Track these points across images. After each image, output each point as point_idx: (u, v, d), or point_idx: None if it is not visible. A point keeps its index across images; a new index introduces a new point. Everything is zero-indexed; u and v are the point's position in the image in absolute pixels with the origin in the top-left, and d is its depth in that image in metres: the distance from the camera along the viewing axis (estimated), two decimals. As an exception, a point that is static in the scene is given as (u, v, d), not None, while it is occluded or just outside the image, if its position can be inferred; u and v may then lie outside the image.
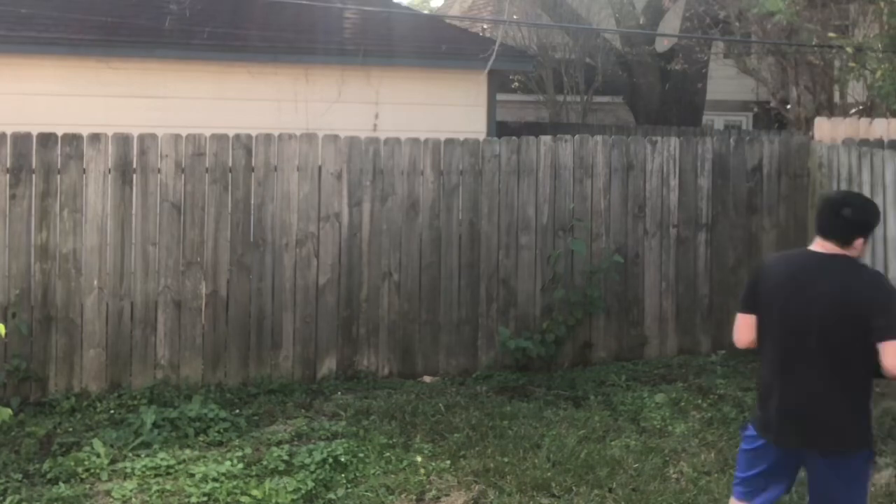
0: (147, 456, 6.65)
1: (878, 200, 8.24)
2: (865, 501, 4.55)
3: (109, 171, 7.95)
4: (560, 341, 8.73)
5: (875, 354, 4.30)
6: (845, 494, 4.48)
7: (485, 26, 18.71)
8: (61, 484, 6.24)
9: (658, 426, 7.34)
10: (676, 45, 15.71)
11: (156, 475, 6.40)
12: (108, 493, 6.16)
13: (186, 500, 6.07)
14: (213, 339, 8.15)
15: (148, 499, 6.09)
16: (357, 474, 6.43)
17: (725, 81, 17.68)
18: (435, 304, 8.61)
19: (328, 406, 7.74)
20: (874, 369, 4.35)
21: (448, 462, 6.60)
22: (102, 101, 10.31)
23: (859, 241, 4.52)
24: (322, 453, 6.60)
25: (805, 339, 4.43)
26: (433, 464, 6.57)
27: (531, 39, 18.15)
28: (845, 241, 4.50)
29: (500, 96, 13.72)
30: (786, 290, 4.54)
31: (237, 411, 7.57)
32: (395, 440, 6.98)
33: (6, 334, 7.40)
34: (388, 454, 6.71)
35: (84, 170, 7.89)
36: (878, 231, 8.25)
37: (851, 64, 11.16)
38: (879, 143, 9.18)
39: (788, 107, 12.76)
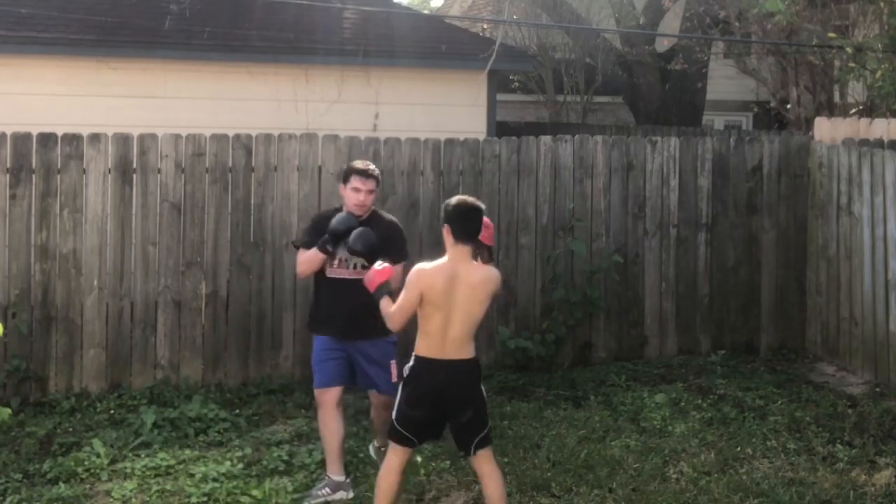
0: (147, 456, 6.66)
1: (878, 200, 8.24)
2: None
3: (109, 171, 7.95)
4: (560, 341, 8.72)
5: None
6: None
7: (485, 26, 18.68)
8: (61, 484, 6.25)
9: (658, 426, 7.34)
10: (676, 45, 15.68)
11: (156, 475, 6.40)
12: (108, 493, 6.16)
13: (186, 500, 6.08)
14: (213, 339, 8.15)
15: (148, 499, 6.10)
16: (357, 474, 6.43)
17: (725, 81, 17.65)
18: (435, 304, 8.59)
19: (328, 406, 7.74)
20: None
21: (448, 462, 6.59)
22: (102, 101, 10.31)
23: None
24: (322, 453, 6.59)
25: None
26: (433, 464, 6.57)
27: (531, 39, 18.15)
28: None
29: (500, 96, 13.71)
30: None
31: (237, 411, 7.57)
32: (395, 440, 6.97)
33: (6, 334, 7.41)
34: (388, 454, 6.71)
35: (84, 170, 7.89)
36: (878, 231, 8.25)
37: (851, 64, 11.15)
38: (879, 143, 9.19)
39: (788, 107, 12.75)
